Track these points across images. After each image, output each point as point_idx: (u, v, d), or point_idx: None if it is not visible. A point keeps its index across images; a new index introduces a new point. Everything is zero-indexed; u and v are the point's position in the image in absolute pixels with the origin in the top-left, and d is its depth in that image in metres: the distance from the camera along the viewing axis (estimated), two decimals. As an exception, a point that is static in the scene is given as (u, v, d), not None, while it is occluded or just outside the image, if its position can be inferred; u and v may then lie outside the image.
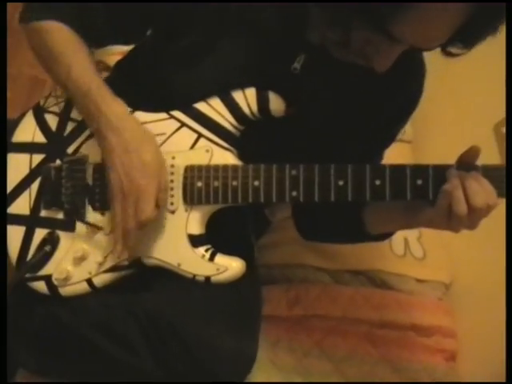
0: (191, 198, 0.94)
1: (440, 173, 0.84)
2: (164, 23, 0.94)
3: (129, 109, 0.97)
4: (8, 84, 0.95)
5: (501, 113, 1.32)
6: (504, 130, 1.38)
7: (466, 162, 0.83)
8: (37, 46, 0.97)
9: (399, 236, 1.51)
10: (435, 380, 1.25)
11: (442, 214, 0.82)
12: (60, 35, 0.95)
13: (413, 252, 1.51)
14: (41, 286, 1.02)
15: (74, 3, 0.96)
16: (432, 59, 1.62)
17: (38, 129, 1.03)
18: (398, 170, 0.86)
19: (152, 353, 0.91)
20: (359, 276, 1.41)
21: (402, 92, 0.94)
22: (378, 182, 0.86)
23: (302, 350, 1.25)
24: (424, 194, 0.85)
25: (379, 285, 1.40)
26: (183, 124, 0.95)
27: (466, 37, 0.74)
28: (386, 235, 1.02)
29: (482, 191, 0.79)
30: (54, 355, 1.00)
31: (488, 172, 0.82)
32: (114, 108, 0.90)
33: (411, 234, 1.54)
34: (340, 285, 1.37)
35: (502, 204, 0.84)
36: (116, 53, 1.34)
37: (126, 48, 1.14)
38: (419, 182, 0.85)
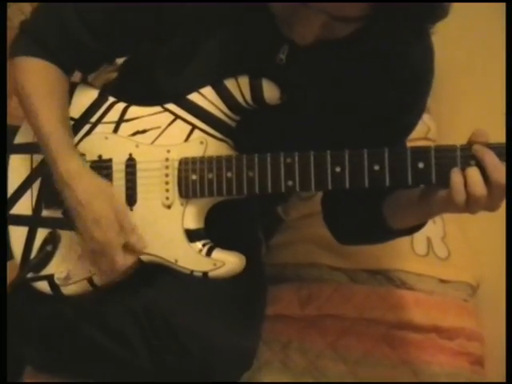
0: (186, 191, 0.92)
1: (443, 155, 0.80)
2: (147, 32, 0.94)
3: (124, 103, 0.97)
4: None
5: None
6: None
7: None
8: (17, 83, 0.96)
9: (422, 235, 1.46)
10: (458, 384, 1.19)
11: (458, 196, 0.76)
12: (37, 75, 0.95)
13: (436, 252, 1.45)
14: (44, 286, 1.02)
15: (60, 37, 0.95)
16: (460, 57, 1.58)
17: (37, 130, 1.03)
18: (397, 153, 0.82)
19: (147, 348, 0.91)
20: (377, 276, 1.36)
21: (400, 75, 0.90)
22: (376, 168, 0.82)
23: (315, 352, 1.21)
24: (426, 178, 0.81)
25: (398, 285, 1.35)
26: (177, 116, 0.94)
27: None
28: (411, 230, 0.96)
29: (502, 166, 0.75)
30: (57, 351, 1.01)
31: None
32: (67, 164, 0.91)
33: (435, 234, 1.48)
34: (354, 284, 1.32)
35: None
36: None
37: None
38: (421, 165, 0.81)
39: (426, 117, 1.73)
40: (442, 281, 1.39)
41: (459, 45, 1.55)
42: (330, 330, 1.25)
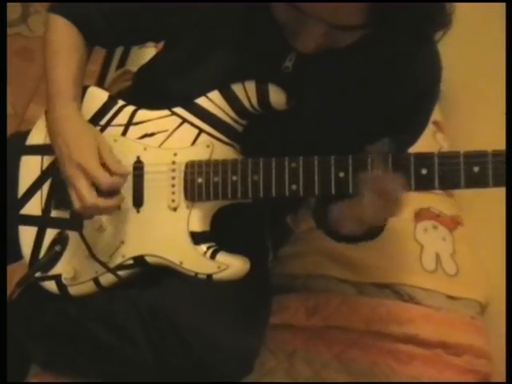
0: (192, 194, 0.93)
1: (446, 161, 0.80)
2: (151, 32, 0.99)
3: (133, 107, 0.99)
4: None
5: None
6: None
7: None
8: (45, 38, 1.01)
9: (430, 251, 1.46)
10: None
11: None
12: (62, 34, 0.99)
13: (445, 268, 1.44)
14: (51, 286, 1.03)
15: (87, 9, 0.99)
16: (469, 74, 1.58)
17: (48, 131, 1.05)
18: (400, 159, 0.82)
19: (151, 346, 0.91)
20: (385, 289, 1.35)
21: (403, 84, 0.90)
22: (380, 173, 0.82)
23: (320, 362, 1.20)
24: (429, 184, 0.81)
25: (406, 299, 1.34)
26: (184, 120, 0.95)
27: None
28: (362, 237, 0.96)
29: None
30: (62, 348, 1.02)
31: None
32: (64, 108, 0.96)
33: (444, 250, 1.47)
34: (362, 296, 1.31)
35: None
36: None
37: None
38: (424, 171, 0.81)
39: (438, 136, 1.74)
40: (450, 297, 1.37)
41: (468, 60, 1.55)
42: (335, 341, 1.24)
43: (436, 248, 1.45)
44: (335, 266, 1.36)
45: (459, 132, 1.69)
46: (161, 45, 1.07)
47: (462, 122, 1.70)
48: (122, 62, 1.68)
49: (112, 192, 0.92)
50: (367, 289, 1.34)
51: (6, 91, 0.97)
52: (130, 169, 0.97)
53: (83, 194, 0.89)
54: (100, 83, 1.43)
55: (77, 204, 0.91)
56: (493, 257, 1.44)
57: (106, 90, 1.17)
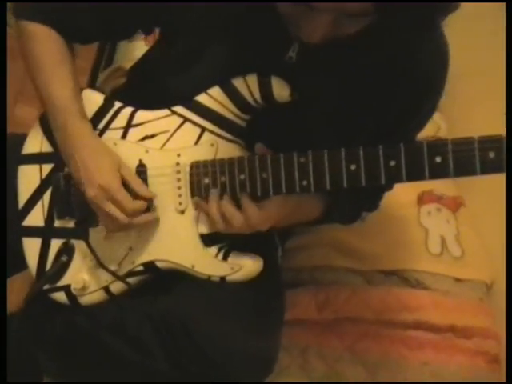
0: (199, 195, 0.90)
1: (460, 148, 0.77)
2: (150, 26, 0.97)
3: (131, 108, 0.96)
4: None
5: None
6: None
7: None
8: (23, 48, 0.96)
9: (435, 234, 1.45)
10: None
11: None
12: (46, 44, 0.95)
13: (450, 250, 1.44)
14: (61, 297, 1.01)
15: (61, 6, 0.95)
16: (471, 56, 1.56)
17: (44, 138, 1.02)
18: (413, 148, 0.80)
19: (166, 354, 0.89)
20: (392, 276, 1.34)
21: (409, 74, 0.88)
22: (392, 163, 0.80)
23: (334, 356, 1.20)
24: (444, 172, 0.78)
25: (414, 285, 1.34)
26: (186, 119, 0.92)
27: None
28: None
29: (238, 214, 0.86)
30: (73, 359, 1.00)
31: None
32: (79, 129, 0.93)
33: (449, 232, 1.47)
34: (371, 286, 1.31)
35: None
36: (134, 59, 1.34)
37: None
38: (438, 159, 0.79)
39: (436, 115, 1.72)
40: (458, 280, 1.37)
41: (471, 43, 1.53)
42: (347, 333, 1.23)
43: (441, 231, 1.45)
44: (341, 256, 1.36)
45: (457, 113, 1.69)
46: (151, 38, 1.04)
47: (460, 103, 1.69)
48: (110, 58, 1.64)
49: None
50: (375, 277, 1.34)
51: (5, 91, 0.92)
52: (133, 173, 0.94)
53: (115, 216, 0.89)
54: (92, 81, 1.39)
55: (109, 225, 0.92)
56: (496, 236, 1.44)
57: (99, 88, 1.14)
